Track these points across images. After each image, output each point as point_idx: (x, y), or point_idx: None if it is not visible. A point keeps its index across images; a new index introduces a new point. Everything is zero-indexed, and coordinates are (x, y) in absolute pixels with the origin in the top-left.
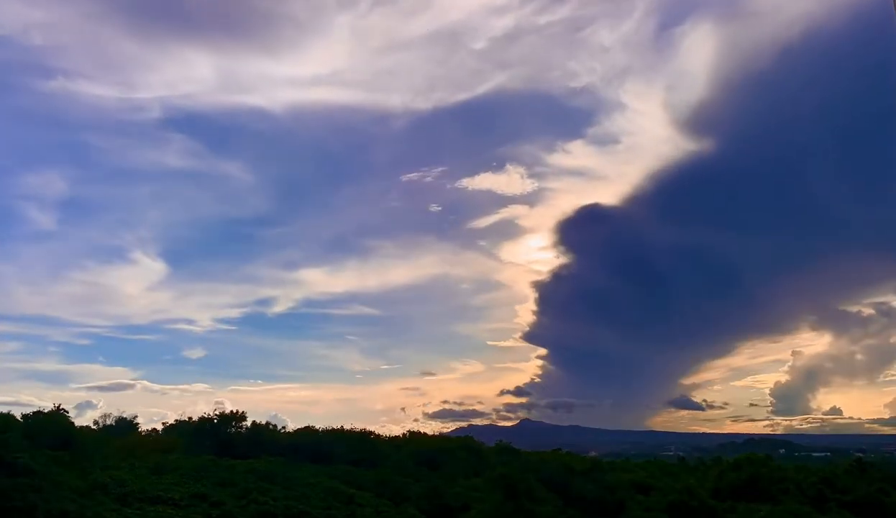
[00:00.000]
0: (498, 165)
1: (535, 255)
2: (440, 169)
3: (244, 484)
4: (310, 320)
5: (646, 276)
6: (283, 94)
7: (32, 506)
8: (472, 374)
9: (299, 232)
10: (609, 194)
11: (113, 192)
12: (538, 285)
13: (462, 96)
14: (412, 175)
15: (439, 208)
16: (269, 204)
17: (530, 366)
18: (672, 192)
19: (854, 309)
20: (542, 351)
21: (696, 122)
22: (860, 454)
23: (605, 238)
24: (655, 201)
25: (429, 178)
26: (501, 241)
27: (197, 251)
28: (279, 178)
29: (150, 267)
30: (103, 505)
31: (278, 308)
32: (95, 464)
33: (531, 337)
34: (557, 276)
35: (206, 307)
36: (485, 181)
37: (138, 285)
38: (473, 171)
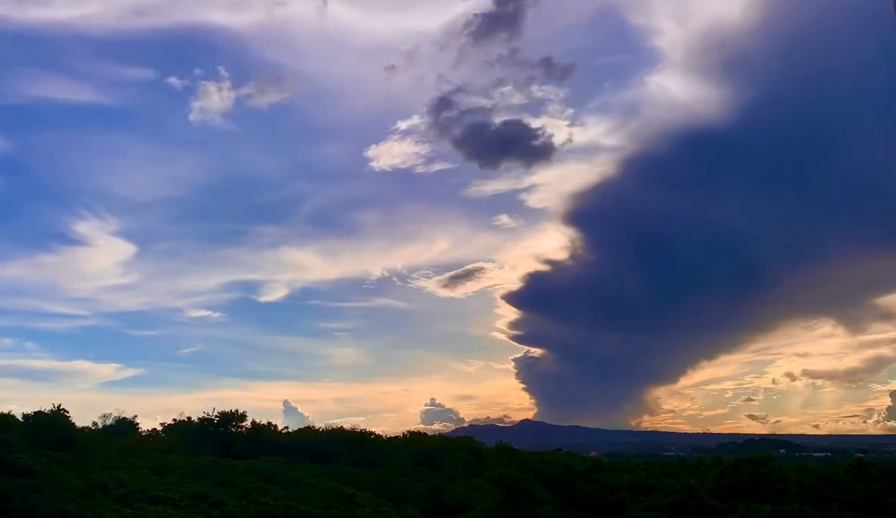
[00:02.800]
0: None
1: (547, 236)
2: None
3: (244, 484)
4: (301, 312)
5: (655, 262)
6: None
7: (33, 506)
8: (472, 373)
9: (281, 202)
10: (617, 161)
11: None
12: (546, 275)
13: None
14: (412, 120)
15: (445, 166)
16: (239, 161)
17: (532, 364)
18: (690, 157)
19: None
20: (545, 350)
21: (724, 63)
22: (860, 454)
23: (614, 218)
24: (667, 170)
25: (426, 126)
26: (513, 215)
27: (163, 225)
28: (245, 119)
29: (115, 247)
30: (103, 505)
31: (268, 296)
32: (96, 464)
33: (533, 335)
34: (566, 264)
35: (186, 295)
36: (503, 125)
37: (106, 270)
38: (489, 114)
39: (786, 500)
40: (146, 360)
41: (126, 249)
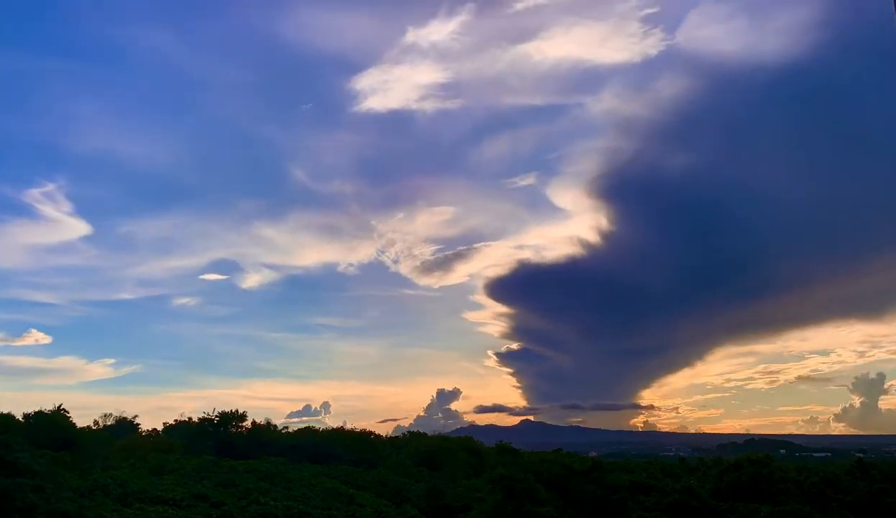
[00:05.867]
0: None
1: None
2: (453, 27)
3: (245, 484)
4: (286, 303)
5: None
6: None
7: (32, 506)
8: (472, 371)
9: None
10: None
11: None
12: (545, 264)
13: None
14: (415, 29)
15: (453, 104)
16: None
17: (534, 363)
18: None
19: None
20: (547, 349)
21: None
22: (860, 454)
23: (643, 192)
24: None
25: (431, 40)
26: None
27: (120, 198)
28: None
29: (68, 225)
30: (103, 505)
31: (250, 282)
32: (96, 464)
33: (536, 333)
34: (590, 252)
35: (165, 282)
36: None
37: (56, 251)
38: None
39: (786, 500)
40: (126, 356)
41: (84, 227)
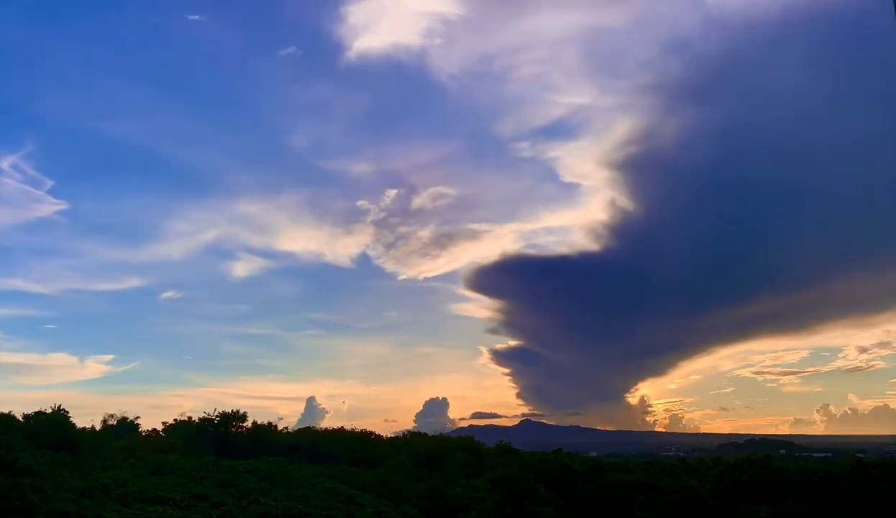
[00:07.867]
0: None
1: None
2: None
3: (245, 484)
4: (278, 298)
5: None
6: None
7: (32, 506)
8: (473, 370)
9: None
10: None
11: None
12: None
13: None
14: None
15: (461, 45)
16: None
17: (533, 363)
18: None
19: None
20: (546, 348)
21: None
22: (860, 455)
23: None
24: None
25: None
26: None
27: (94, 172)
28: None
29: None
30: (103, 505)
31: (241, 272)
32: (96, 464)
33: (535, 331)
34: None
35: (148, 270)
36: None
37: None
38: None
39: (786, 500)
40: (118, 353)
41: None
